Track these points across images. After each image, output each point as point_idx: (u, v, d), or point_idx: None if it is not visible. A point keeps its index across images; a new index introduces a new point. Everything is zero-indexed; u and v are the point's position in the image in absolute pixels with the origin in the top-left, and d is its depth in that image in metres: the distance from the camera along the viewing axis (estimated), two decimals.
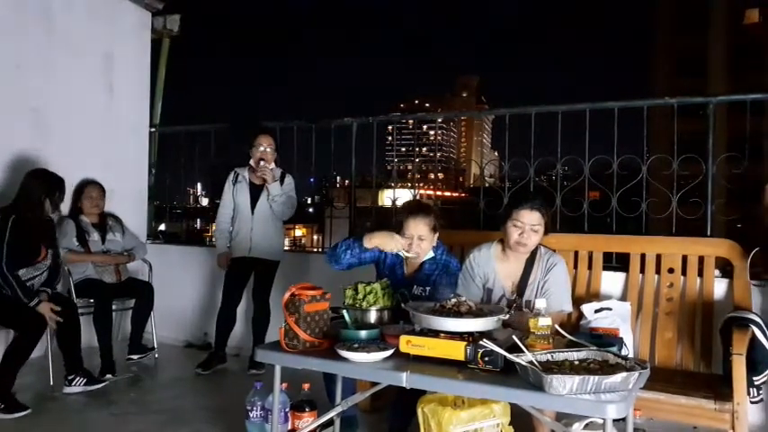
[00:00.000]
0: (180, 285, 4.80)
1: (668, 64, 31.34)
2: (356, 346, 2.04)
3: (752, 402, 2.58)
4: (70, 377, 3.52)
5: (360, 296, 2.36)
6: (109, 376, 3.76)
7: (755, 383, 2.59)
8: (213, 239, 4.44)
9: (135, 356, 4.11)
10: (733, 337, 2.53)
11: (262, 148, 4.00)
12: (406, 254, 2.69)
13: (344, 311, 2.31)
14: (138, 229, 4.75)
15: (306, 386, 2.63)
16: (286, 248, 4.51)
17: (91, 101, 4.69)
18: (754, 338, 2.58)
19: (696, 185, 3.43)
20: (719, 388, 2.54)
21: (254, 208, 4.03)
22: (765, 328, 2.62)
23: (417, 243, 2.70)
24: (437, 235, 2.78)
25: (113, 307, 4.01)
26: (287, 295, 2.20)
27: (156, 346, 4.31)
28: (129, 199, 4.86)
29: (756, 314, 2.74)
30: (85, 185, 4.24)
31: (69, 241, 4.04)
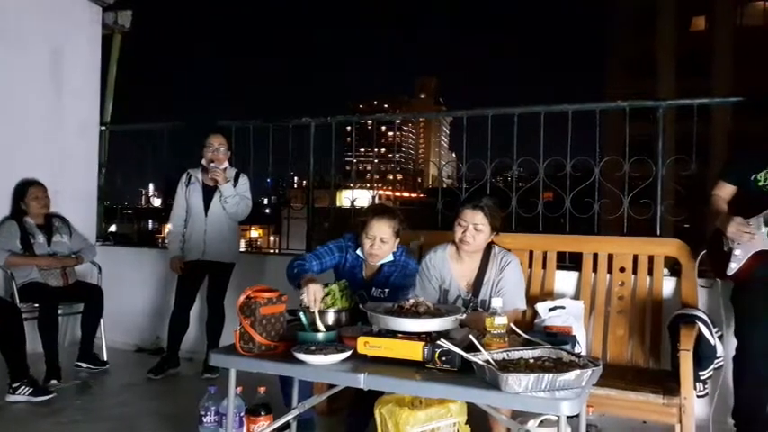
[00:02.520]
0: (131, 288, 4.67)
1: (620, 69, 32.28)
2: (313, 348, 2.02)
3: (698, 396, 2.66)
4: (14, 385, 3.37)
5: None
6: (54, 381, 3.62)
7: (701, 378, 2.68)
8: (166, 242, 4.33)
9: (84, 364, 3.97)
10: (680, 333, 2.61)
11: (213, 149, 3.93)
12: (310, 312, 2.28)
13: (301, 314, 2.27)
14: (86, 231, 4.59)
15: (261, 390, 2.59)
16: (241, 250, 4.45)
17: (36, 98, 4.52)
18: (700, 335, 2.66)
19: (646, 187, 3.53)
20: (668, 383, 2.62)
21: (208, 210, 3.95)
22: (711, 325, 2.71)
23: (378, 245, 2.69)
24: (398, 240, 2.77)
25: (60, 311, 3.87)
26: (242, 298, 2.15)
27: (105, 351, 4.17)
28: (77, 199, 4.70)
29: (702, 311, 2.84)
30: (28, 186, 4.08)
31: (12, 244, 3.88)
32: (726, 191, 2.77)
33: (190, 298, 4.02)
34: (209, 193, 3.98)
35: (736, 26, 30.65)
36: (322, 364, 1.96)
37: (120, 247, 5.05)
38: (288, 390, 2.61)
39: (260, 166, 4.58)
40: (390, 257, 2.76)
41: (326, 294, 2.35)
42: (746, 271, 2.61)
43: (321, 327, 2.17)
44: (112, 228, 5.64)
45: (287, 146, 4.52)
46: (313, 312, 2.24)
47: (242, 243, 4.53)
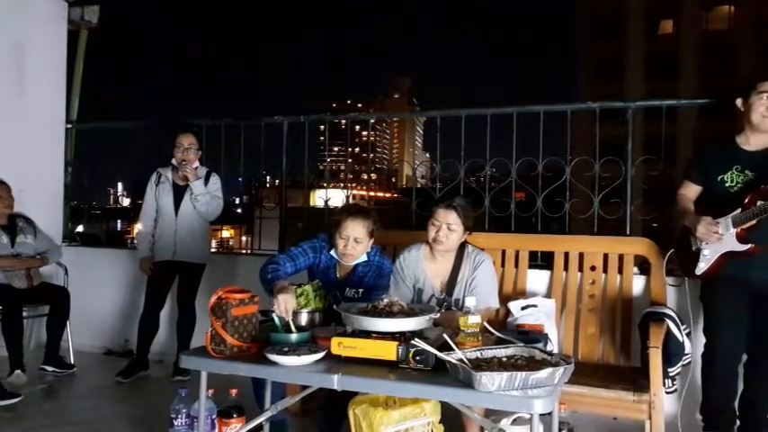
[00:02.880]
0: (99, 290, 4.58)
1: (591, 71, 32.84)
2: (286, 349, 2.00)
3: (667, 393, 2.71)
4: None
5: None
6: (18, 372, 3.55)
7: (670, 375, 2.73)
8: (135, 242, 4.25)
9: (50, 368, 3.88)
10: (650, 331, 2.66)
11: (183, 148, 3.87)
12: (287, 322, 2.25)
13: (274, 315, 2.25)
14: (52, 231, 4.47)
15: (233, 392, 2.56)
16: (213, 250, 4.39)
17: None
18: (668, 332, 2.71)
19: (616, 187, 3.58)
20: (638, 380, 2.66)
21: (178, 209, 3.89)
22: (679, 323, 2.77)
23: (352, 245, 2.67)
24: (372, 240, 2.76)
25: (25, 314, 3.78)
26: (213, 299, 2.13)
27: (71, 354, 4.08)
28: (42, 199, 4.58)
29: (671, 309, 2.89)
30: None
31: None
32: (692, 191, 2.83)
33: (160, 299, 3.95)
34: (179, 192, 3.91)
35: (702, 30, 31.42)
36: (295, 366, 1.95)
37: (88, 247, 4.94)
38: (260, 391, 2.58)
39: (232, 165, 4.53)
40: (364, 258, 2.75)
41: (300, 295, 2.33)
42: (715, 270, 2.66)
43: (293, 329, 2.15)
44: (79, 228, 5.52)
45: (259, 145, 4.48)
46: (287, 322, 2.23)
47: (213, 243, 4.47)
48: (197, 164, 3.96)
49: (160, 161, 4.07)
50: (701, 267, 2.69)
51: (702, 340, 2.82)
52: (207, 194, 3.86)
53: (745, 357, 2.74)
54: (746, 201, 2.53)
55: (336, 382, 1.88)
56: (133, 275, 4.42)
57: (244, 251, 5.27)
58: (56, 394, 3.64)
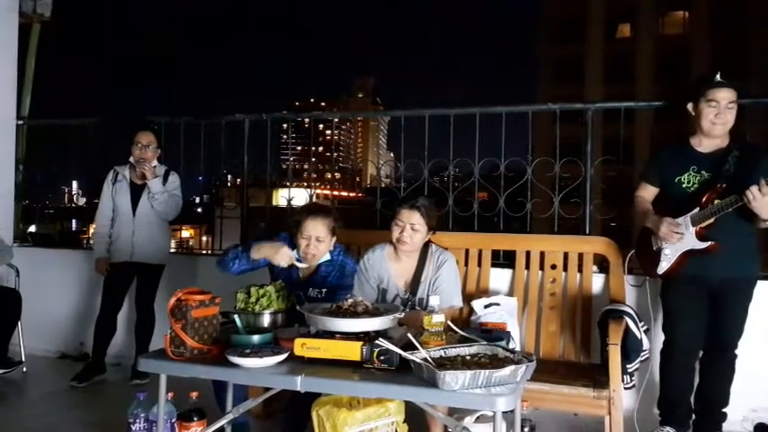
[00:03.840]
0: (53, 292, 4.43)
1: (551, 73, 33.45)
2: (248, 351, 1.97)
3: (626, 388, 2.77)
4: None
5: (252, 299, 2.28)
6: None
7: (629, 371, 2.79)
8: (91, 242, 4.13)
9: None
10: (609, 328, 2.71)
11: (141, 146, 3.78)
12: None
13: (235, 316, 2.22)
14: (2, 232, 4.30)
15: (194, 395, 2.50)
16: (172, 251, 4.30)
17: None
18: (627, 329, 2.77)
19: (576, 187, 3.65)
20: (597, 376, 2.71)
21: (136, 209, 3.79)
22: (637, 320, 2.83)
23: (314, 245, 2.66)
24: (335, 238, 2.74)
25: None
26: (172, 300, 2.08)
27: (23, 358, 3.93)
28: None
29: (630, 307, 2.96)
30: None
31: None
32: (649, 192, 2.90)
33: (117, 301, 3.85)
34: (137, 191, 3.82)
35: (658, 34, 32.36)
36: (257, 368, 1.92)
37: (41, 248, 4.78)
38: (222, 394, 2.54)
39: (192, 163, 4.45)
40: (327, 257, 2.73)
41: (262, 296, 2.29)
42: (676, 268, 2.73)
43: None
44: (32, 228, 5.33)
45: (220, 143, 4.41)
46: (249, 313, 2.20)
47: (173, 243, 4.37)
48: (156, 162, 3.87)
49: (117, 159, 3.96)
50: (663, 266, 2.76)
51: (662, 336, 2.89)
52: (165, 193, 3.78)
53: (701, 353, 2.83)
54: (704, 200, 2.61)
55: (300, 383, 1.86)
56: (89, 277, 4.30)
57: (204, 251, 5.17)
58: (6, 401, 3.51)
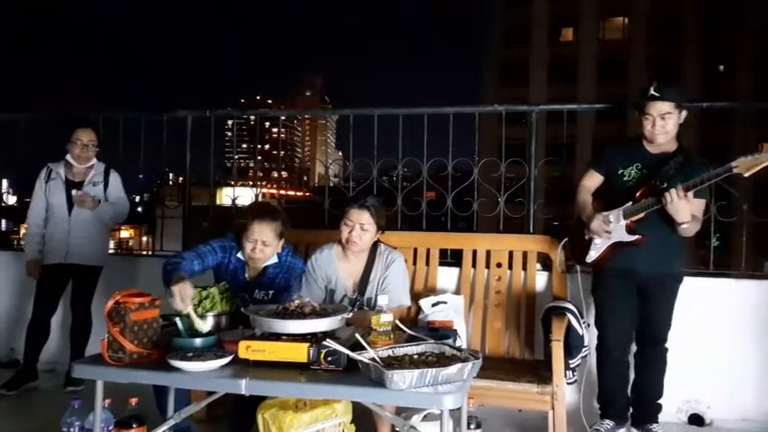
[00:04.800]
0: None
1: (497, 75, 34.14)
2: (190, 354, 1.91)
3: (568, 383, 2.85)
4: None
5: (195, 302, 2.21)
6: None
7: (571, 366, 2.86)
8: (22, 243, 3.93)
9: None
10: (552, 324, 2.78)
11: (81, 144, 3.63)
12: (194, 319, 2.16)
13: (177, 319, 2.15)
14: None
15: (133, 401, 2.40)
16: (111, 252, 4.14)
17: None
18: (569, 326, 2.84)
19: (520, 187, 3.72)
20: (541, 372, 2.77)
21: (72, 208, 3.63)
22: (579, 316, 2.91)
23: (260, 248, 2.59)
24: (282, 241, 2.69)
25: None
26: (110, 303, 2.00)
27: None
28: None
29: (571, 303, 3.04)
30: None
31: None
32: (593, 180, 2.98)
33: (51, 305, 3.68)
34: (73, 189, 3.66)
35: (599, 39, 33.53)
36: (200, 371, 1.87)
37: None
38: (163, 399, 2.46)
39: (132, 161, 4.30)
40: (275, 259, 2.68)
41: (205, 298, 2.23)
42: (604, 259, 2.84)
43: (200, 325, 2.05)
44: None
45: (162, 140, 4.28)
46: (188, 314, 2.13)
47: (111, 244, 4.21)
48: (94, 161, 3.73)
49: (51, 155, 3.78)
50: (592, 255, 2.86)
51: (596, 332, 2.98)
52: (111, 208, 3.69)
53: (635, 348, 2.94)
54: (637, 195, 2.71)
55: (244, 386, 1.82)
56: (20, 279, 4.08)
57: (144, 252, 5.01)
58: None
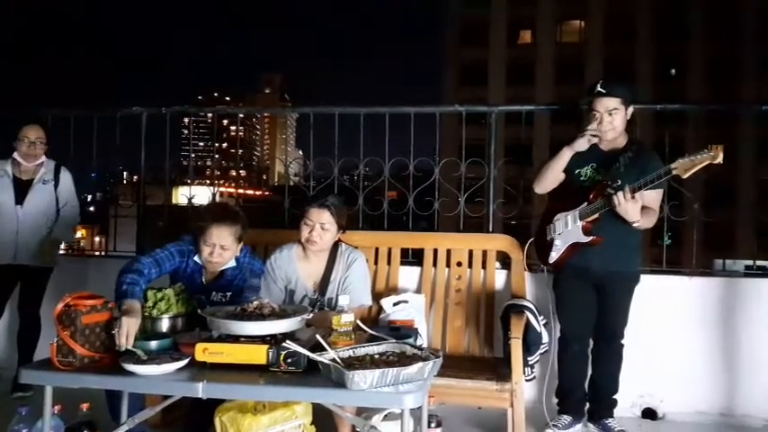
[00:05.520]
0: None
1: (457, 75, 34.50)
2: (145, 358, 1.86)
3: (527, 380, 2.89)
4: None
5: (149, 304, 2.16)
6: None
7: (530, 363, 2.90)
8: None
9: None
10: (511, 322, 2.81)
11: (29, 141, 3.49)
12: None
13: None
14: None
15: (84, 406, 2.33)
16: (61, 252, 4.00)
17: None
18: (528, 323, 2.89)
19: (480, 187, 3.75)
20: (500, 370, 2.80)
21: (21, 207, 3.49)
22: (537, 314, 2.96)
23: (218, 252, 2.53)
24: (242, 245, 2.63)
25: None
26: (60, 306, 1.95)
27: None
28: None
29: (530, 301, 3.09)
30: None
31: None
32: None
33: None
34: (22, 187, 3.52)
35: (557, 41, 34.26)
36: (155, 375, 1.83)
37: None
38: (116, 404, 2.39)
39: (84, 159, 4.16)
40: (233, 263, 2.63)
41: (161, 299, 2.18)
42: (564, 259, 2.89)
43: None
44: None
45: (115, 138, 4.16)
46: (146, 318, 2.09)
47: (62, 245, 4.07)
48: (43, 158, 3.59)
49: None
50: (553, 256, 2.91)
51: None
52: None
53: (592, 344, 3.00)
54: (591, 196, 2.77)
55: (201, 390, 1.78)
56: None
57: (97, 253, 4.86)
58: None
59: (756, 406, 3.20)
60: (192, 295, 2.37)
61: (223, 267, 2.62)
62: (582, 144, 2.81)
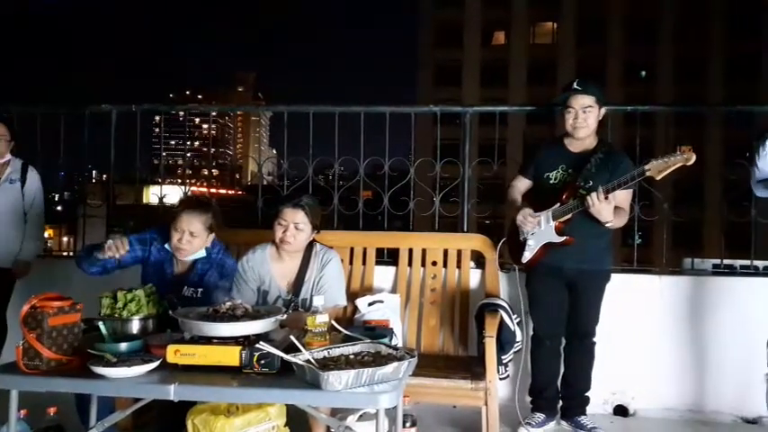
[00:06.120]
0: None
1: (431, 76, 34.65)
2: (114, 360, 1.82)
3: (501, 379, 2.91)
4: None
5: (119, 305, 2.12)
6: None
7: (503, 362, 2.92)
8: None
9: None
10: (485, 321, 2.83)
11: None
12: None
13: (100, 323, 2.05)
14: None
15: (51, 410, 2.27)
16: None
17: None
18: (501, 322, 2.91)
19: (454, 187, 3.77)
20: (475, 368, 2.82)
21: None
22: (511, 313, 2.98)
23: (187, 239, 2.53)
24: (213, 235, 2.62)
25: None
26: (26, 308, 1.89)
27: None
28: None
29: (504, 300, 3.11)
30: None
31: None
32: (522, 183, 3.08)
33: None
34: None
35: (530, 43, 34.65)
36: (125, 378, 1.79)
37: None
38: (85, 407, 2.33)
39: (51, 157, 4.07)
40: (203, 253, 2.61)
41: (131, 300, 2.14)
42: (537, 259, 2.92)
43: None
44: None
45: (83, 136, 4.07)
46: (116, 319, 2.04)
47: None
48: (9, 156, 3.49)
49: None
50: (526, 256, 2.94)
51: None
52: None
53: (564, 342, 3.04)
54: (564, 197, 2.80)
55: (173, 392, 1.76)
56: None
57: (65, 253, 4.75)
58: None
59: (726, 402, 3.27)
60: (164, 291, 2.33)
61: (193, 257, 2.60)
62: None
